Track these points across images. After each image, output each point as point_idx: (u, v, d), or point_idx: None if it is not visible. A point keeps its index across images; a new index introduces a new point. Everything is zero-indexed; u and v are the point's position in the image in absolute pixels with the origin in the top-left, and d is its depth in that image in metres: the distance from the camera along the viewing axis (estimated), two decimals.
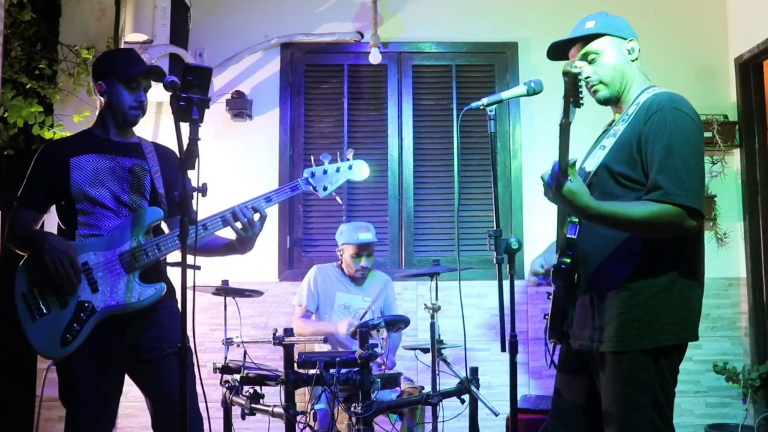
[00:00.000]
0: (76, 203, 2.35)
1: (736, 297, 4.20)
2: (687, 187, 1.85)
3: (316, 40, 4.30)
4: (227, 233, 2.40)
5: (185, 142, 1.93)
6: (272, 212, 2.63)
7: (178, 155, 1.92)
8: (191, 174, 1.96)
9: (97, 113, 2.50)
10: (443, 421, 2.99)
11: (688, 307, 1.96)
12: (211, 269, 2.70)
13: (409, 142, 4.30)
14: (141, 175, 2.43)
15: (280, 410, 2.69)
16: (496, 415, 2.81)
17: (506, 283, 2.11)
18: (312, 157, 2.57)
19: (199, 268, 2.08)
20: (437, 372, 2.90)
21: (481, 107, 2.15)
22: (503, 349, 2.09)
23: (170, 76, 2.01)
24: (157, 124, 4.14)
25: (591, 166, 2.07)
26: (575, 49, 2.12)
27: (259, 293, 3.41)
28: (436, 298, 3.04)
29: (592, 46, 2.08)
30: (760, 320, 4.07)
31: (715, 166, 4.22)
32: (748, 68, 4.22)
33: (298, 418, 2.70)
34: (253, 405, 2.85)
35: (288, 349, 2.75)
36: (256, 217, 2.35)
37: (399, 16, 4.35)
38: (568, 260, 2.01)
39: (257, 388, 2.92)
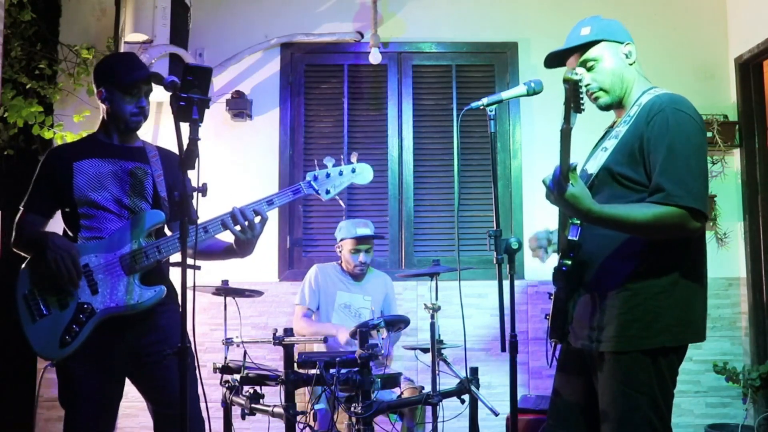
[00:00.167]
0: (78, 207, 2.36)
1: (736, 297, 4.20)
2: (690, 188, 1.85)
3: (316, 40, 4.30)
4: (228, 236, 2.39)
5: (185, 142, 1.93)
6: (272, 212, 2.61)
7: (178, 156, 1.92)
8: (191, 174, 1.96)
9: (100, 117, 2.50)
10: (443, 421, 2.99)
11: (690, 308, 1.96)
12: (211, 269, 2.69)
13: (409, 142, 4.30)
14: (142, 178, 2.43)
15: (280, 410, 2.69)
16: (496, 415, 2.81)
17: (506, 283, 2.11)
18: (315, 160, 2.56)
19: (199, 268, 2.09)
20: (437, 372, 2.90)
21: (481, 107, 2.15)
22: (503, 349, 2.09)
23: (170, 76, 2.01)
24: (157, 124, 4.14)
25: (593, 168, 2.07)
26: (573, 57, 2.11)
27: (259, 293, 3.41)
28: (436, 298, 3.04)
29: (590, 53, 2.08)
30: (760, 320, 4.08)
31: (715, 166, 4.22)
32: (748, 68, 4.22)
33: (298, 418, 2.70)
34: (253, 405, 2.85)
35: (288, 349, 2.75)
36: (257, 219, 2.35)
37: (399, 16, 4.35)
38: (570, 262, 2.01)
39: (257, 388, 2.92)
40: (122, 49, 3.80)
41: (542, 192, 1.94)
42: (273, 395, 2.86)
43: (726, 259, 4.20)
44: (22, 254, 2.39)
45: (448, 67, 4.36)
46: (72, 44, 4.15)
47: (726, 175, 4.24)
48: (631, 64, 2.10)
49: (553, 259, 2.14)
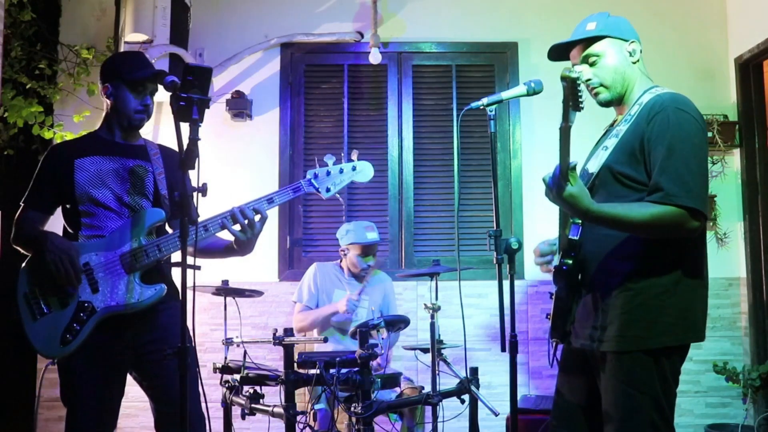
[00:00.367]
0: (79, 205, 2.36)
1: (736, 297, 4.21)
2: (689, 188, 1.85)
3: (316, 40, 4.30)
4: (228, 235, 2.39)
5: (185, 142, 1.93)
6: (272, 212, 2.62)
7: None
8: (191, 174, 1.96)
9: (102, 115, 2.50)
10: (443, 421, 2.99)
11: (691, 307, 1.96)
12: (211, 269, 2.70)
13: (409, 142, 4.30)
14: (143, 176, 2.43)
15: (280, 410, 2.69)
16: (496, 415, 2.81)
17: (506, 283, 2.11)
18: (316, 158, 2.56)
19: (199, 268, 2.09)
20: (437, 372, 2.90)
21: (481, 107, 2.15)
22: (503, 349, 2.10)
23: (170, 76, 2.01)
24: (157, 124, 4.14)
25: (594, 167, 2.06)
26: (576, 51, 2.11)
27: (259, 293, 3.41)
28: (436, 298, 3.04)
29: (593, 48, 2.07)
30: (760, 320, 4.08)
31: (715, 166, 4.22)
32: (748, 68, 4.22)
33: (298, 418, 2.70)
34: (253, 405, 2.84)
35: (288, 349, 2.75)
36: (257, 218, 2.35)
37: (399, 16, 4.35)
38: (570, 261, 2.01)
39: (257, 388, 2.92)
40: (122, 49, 3.80)
41: (542, 192, 1.94)
42: (273, 395, 2.86)
43: (726, 259, 4.20)
44: (21, 251, 2.39)
45: (448, 67, 4.36)
46: (72, 44, 4.15)
47: (726, 175, 4.24)
48: (634, 63, 2.09)
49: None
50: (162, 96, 3.61)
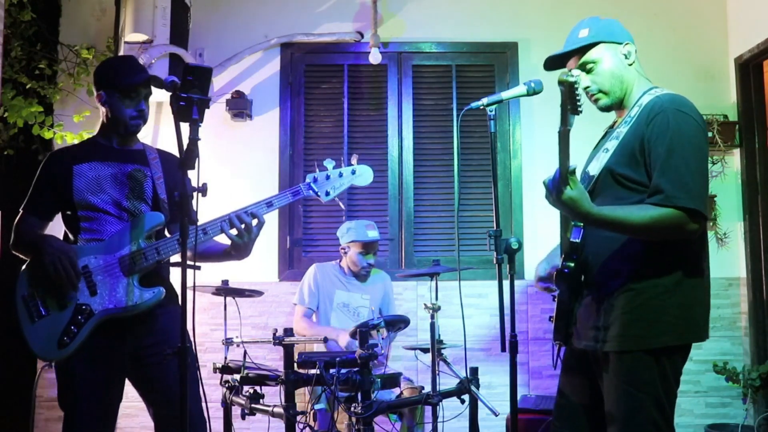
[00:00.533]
0: (78, 210, 2.36)
1: (736, 297, 4.20)
2: (689, 189, 1.85)
3: (316, 40, 4.30)
4: (225, 239, 2.39)
5: (185, 142, 1.93)
6: (272, 213, 2.63)
7: (179, 156, 1.92)
8: (191, 174, 1.96)
9: (100, 120, 2.50)
10: (443, 421, 2.99)
11: (693, 307, 1.96)
12: (211, 269, 2.69)
13: (409, 142, 4.30)
14: (142, 181, 2.43)
15: (280, 410, 2.69)
16: (496, 415, 2.81)
17: (506, 283, 2.11)
18: (315, 162, 2.56)
19: (199, 268, 2.09)
20: (437, 372, 2.90)
21: (481, 107, 2.15)
22: (503, 349, 2.10)
23: (170, 76, 2.01)
24: (157, 124, 4.14)
25: (594, 169, 2.07)
26: (572, 60, 2.11)
27: (259, 293, 3.41)
28: (436, 298, 3.04)
29: (589, 55, 2.07)
30: (760, 320, 4.08)
31: (715, 166, 4.22)
32: (748, 68, 4.22)
33: (298, 418, 2.70)
34: (253, 405, 2.84)
35: (288, 349, 2.75)
36: (255, 222, 2.35)
37: (399, 16, 4.35)
38: (572, 264, 2.01)
39: (257, 388, 2.92)
40: (122, 48, 3.81)
41: (542, 192, 1.94)
42: (273, 395, 2.86)
43: (726, 259, 4.20)
44: (21, 256, 2.39)
45: (448, 67, 4.36)
46: (72, 44, 4.15)
47: (726, 175, 4.24)
48: (630, 65, 2.09)
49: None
50: (162, 96, 3.64)
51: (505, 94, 2.14)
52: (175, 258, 2.33)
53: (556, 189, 1.83)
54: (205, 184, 1.95)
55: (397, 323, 3.15)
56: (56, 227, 2.45)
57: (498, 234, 2.08)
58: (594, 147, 2.22)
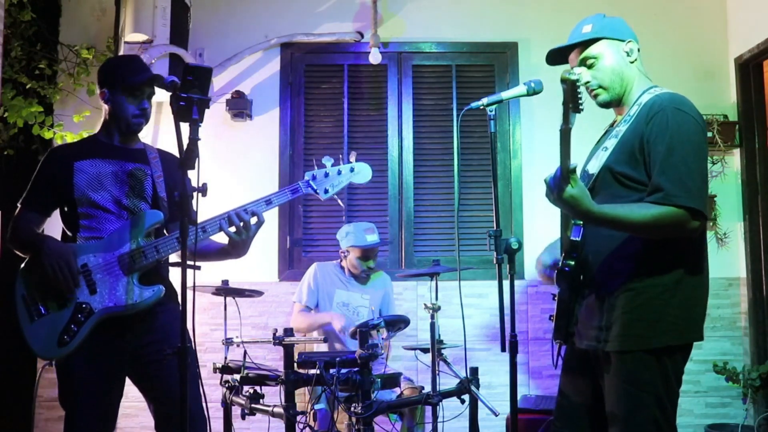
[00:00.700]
0: (78, 207, 2.36)
1: (736, 297, 4.20)
2: (688, 188, 1.86)
3: (316, 40, 4.30)
4: (222, 238, 2.40)
5: (185, 142, 1.93)
6: (272, 212, 2.64)
7: (179, 156, 1.92)
8: (191, 174, 1.96)
9: (101, 118, 2.50)
10: (443, 421, 2.99)
11: (693, 307, 1.96)
12: (211, 269, 2.70)
13: (409, 142, 4.30)
14: (142, 179, 2.43)
15: (280, 410, 2.70)
16: (496, 415, 2.81)
17: (506, 283, 2.11)
18: (314, 160, 2.56)
19: (199, 268, 2.09)
20: (437, 372, 2.90)
21: (481, 107, 2.15)
22: (503, 349, 2.10)
23: (170, 76, 2.01)
24: (157, 124, 4.14)
25: (594, 168, 2.07)
26: (574, 54, 2.12)
27: (259, 293, 3.41)
28: (436, 298, 3.04)
29: (590, 50, 2.08)
30: (760, 320, 4.08)
31: (715, 166, 4.22)
32: (748, 68, 4.22)
33: (298, 418, 2.70)
34: (253, 405, 2.85)
35: (288, 349, 2.75)
36: (253, 220, 2.35)
37: (399, 16, 4.35)
38: (572, 262, 2.01)
39: (257, 388, 2.92)
40: (122, 48, 3.81)
41: (542, 192, 1.95)
42: (273, 395, 2.86)
43: (726, 259, 4.20)
44: (17, 252, 2.38)
45: (448, 67, 4.36)
46: (72, 44, 4.15)
47: (726, 175, 4.23)
48: (632, 62, 2.10)
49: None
50: (162, 96, 3.63)
51: (505, 94, 2.14)
52: (175, 257, 2.33)
53: (557, 187, 1.83)
54: (204, 184, 1.95)
55: (397, 323, 3.15)
56: (56, 227, 2.45)
57: (498, 234, 2.08)
58: (594, 145, 2.22)
